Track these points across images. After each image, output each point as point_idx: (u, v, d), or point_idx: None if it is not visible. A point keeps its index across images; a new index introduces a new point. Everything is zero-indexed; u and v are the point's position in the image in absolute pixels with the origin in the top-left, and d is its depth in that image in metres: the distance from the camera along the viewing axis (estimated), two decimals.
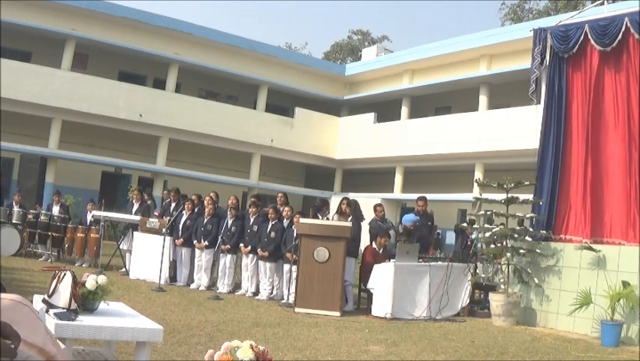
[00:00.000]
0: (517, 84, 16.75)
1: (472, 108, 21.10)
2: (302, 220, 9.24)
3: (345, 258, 8.83)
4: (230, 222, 10.18)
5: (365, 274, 9.45)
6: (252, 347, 2.47)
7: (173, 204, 11.40)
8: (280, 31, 71.02)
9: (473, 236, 12.08)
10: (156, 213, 11.95)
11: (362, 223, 9.90)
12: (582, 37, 9.47)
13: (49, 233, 12.08)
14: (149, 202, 12.36)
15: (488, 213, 9.85)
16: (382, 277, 8.84)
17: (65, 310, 3.47)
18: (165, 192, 11.89)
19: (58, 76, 20.07)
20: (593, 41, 9.33)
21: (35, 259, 11.93)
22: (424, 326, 8.25)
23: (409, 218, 10.43)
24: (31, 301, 3.43)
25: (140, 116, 21.08)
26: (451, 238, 19.13)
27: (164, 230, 10.22)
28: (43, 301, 3.61)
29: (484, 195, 11.73)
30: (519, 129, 16.80)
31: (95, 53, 21.89)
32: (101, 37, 20.94)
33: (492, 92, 20.79)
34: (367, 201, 14.53)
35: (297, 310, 8.56)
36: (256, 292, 10.02)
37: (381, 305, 8.70)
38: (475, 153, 19.64)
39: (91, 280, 3.70)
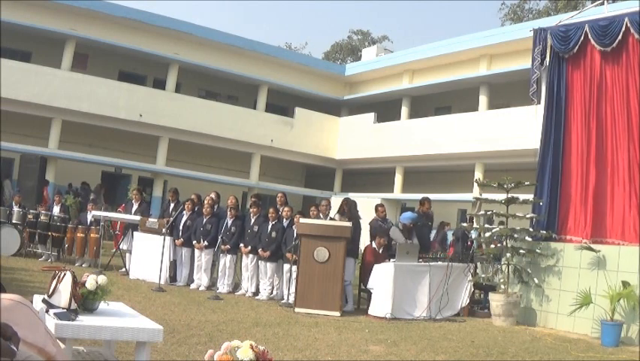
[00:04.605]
0: (517, 84, 16.75)
1: (472, 108, 21.10)
2: (302, 220, 9.25)
3: (345, 258, 8.83)
4: (229, 222, 10.18)
5: (365, 274, 9.45)
6: (252, 347, 2.47)
7: (172, 205, 11.39)
8: (280, 31, 71.10)
9: (473, 236, 12.08)
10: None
11: (361, 223, 9.89)
12: (582, 37, 9.48)
13: (49, 233, 12.08)
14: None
15: (488, 213, 9.85)
16: (382, 277, 8.84)
17: (65, 310, 3.47)
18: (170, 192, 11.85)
19: (58, 76, 20.05)
20: (593, 41, 9.33)
21: (35, 259, 11.92)
22: (424, 326, 8.25)
23: (407, 216, 10.45)
24: (31, 301, 3.43)
25: (140, 116, 21.08)
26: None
27: (164, 230, 10.22)
28: (43, 301, 3.61)
29: (484, 195, 11.74)
30: (519, 129, 16.79)
31: (95, 53, 21.89)
32: (101, 37, 20.93)
33: (492, 92, 20.79)
34: (367, 201, 14.54)
35: (297, 310, 8.55)
36: (256, 292, 10.02)
37: (381, 305, 8.70)
38: (475, 153, 19.63)
39: (91, 280, 3.70)
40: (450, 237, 14.80)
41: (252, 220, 10.15)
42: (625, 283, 7.85)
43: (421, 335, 7.43)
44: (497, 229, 9.41)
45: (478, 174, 19.39)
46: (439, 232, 15.21)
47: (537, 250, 9.10)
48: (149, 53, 21.82)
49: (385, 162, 23.24)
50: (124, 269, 11.37)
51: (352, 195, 15.85)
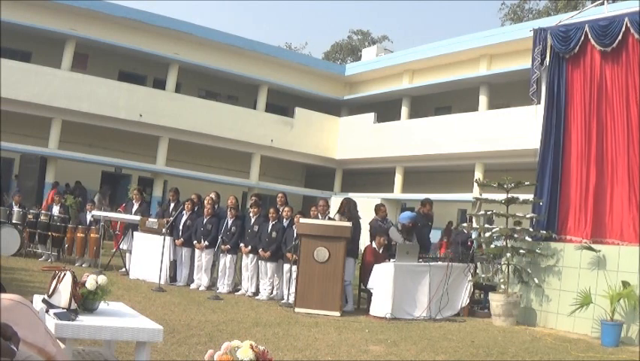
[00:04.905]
0: (517, 84, 16.75)
1: (472, 108, 21.10)
2: (302, 220, 9.25)
3: (345, 258, 8.83)
4: (230, 222, 10.18)
5: (365, 274, 9.45)
6: (252, 347, 2.47)
7: (172, 205, 11.39)
8: (280, 31, 71.11)
9: (474, 236, 12.08)
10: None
11: (361, 223, 9.89)
12: (582, 37, 9.48)
13: (49, 233, 12.08)
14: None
15: (488, 213, 9.85)
16: (382, 277, 8.84)
17: (65, 310, 3.47)
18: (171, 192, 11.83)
19: (58, 76, 20.06)
20: (593, 41, 9.33)
21: (35, 259, 11.92)
22: (424, 326, 8.25)
23: (406, 216, 10.46)
24: (31, 301, 3.43)
25: (140, 116, 21.08)
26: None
27: (164, 230, 10.22)
28: (43, 301, 3.61)
29: (484, 195, 11.73)
30: (519, 129, 16.80)
31: (95, 53, 21.89)
32: (101, 37, 20.94)
33: (492, 92, 20.79)
34: (367, 201, 14.54)
35: (297, 310, 8.55)
36: (256, 292, 10.02)
37: (381, 305, 8.70)
38: (475, 153, 19.64)
39: (91, 280, 3.70)
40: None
41: (252, 220, 10.15)
42: (625, 283, 7.85)
43: (421, 335, 7.43)
44: (498, 228, 9.40)
45: (478, 174, 19.39)
46: (448, 233, 15.18)
47: (537, 250, 9.10)
48: (149, 53, 21.83)
49: (385, 162, 23.24)
50: (124, 269, 11.37)
51: (352, 195, 15.84)
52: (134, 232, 11.06)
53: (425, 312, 8.88)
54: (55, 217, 12.10)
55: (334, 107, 26.91)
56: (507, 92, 19.86)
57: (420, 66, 24.09)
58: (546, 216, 9.47)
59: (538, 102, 10.04)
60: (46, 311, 3.45)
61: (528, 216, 9.49)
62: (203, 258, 10.35)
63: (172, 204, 11.34)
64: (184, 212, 10.70)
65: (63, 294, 3.55)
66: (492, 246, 9.58)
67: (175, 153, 22.60)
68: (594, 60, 9.43)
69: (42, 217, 12.15)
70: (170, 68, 22.57)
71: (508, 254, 9.26)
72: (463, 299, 9.39)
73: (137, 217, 11.19)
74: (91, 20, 21.20)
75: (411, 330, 7.76)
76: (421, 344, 6.88)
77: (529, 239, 9.23)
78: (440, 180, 22.07)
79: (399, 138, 22.45)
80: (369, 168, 25.23)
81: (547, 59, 9.94)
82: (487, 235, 9.49)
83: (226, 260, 10.20)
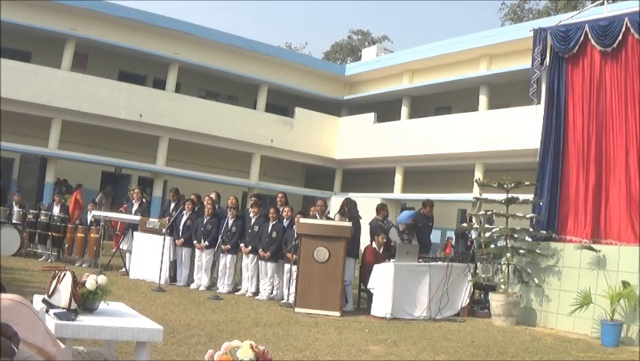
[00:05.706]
0: (517, 84, 16.75)
1: (472, 108, 21.09)
2: (302, 220, 9.25)
3: (345, 258, 8.83)
4: (230, 222, 10.18)
5: (365, 274, 9.45)
6: (252, 347, 2.47)
7: (172, 205, 11.39)
8: (280, 31, 71.12)
9: (473, 236, 12.08)
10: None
11: (361, 223, 9.89)
12: (582, 37, 9.49)
13: (49, 233, 12.08)
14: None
15: (488, 213, 9.85)
16: (382, 277, 8.84)
17: (65, 310, 3.47)
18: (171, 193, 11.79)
19: (58, 76, 20.04)
20: (593, 42, 9.34)
21: (35, 259, 11.92)
22: (424, 326, 8.25)
23: (405, 215, 10.46)
24: (31, 301, 3.43)
25: (140, 116, 21.07)
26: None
27: (164, 230, 10.23)
28: (43, 301, 3.61)
29: (484, 195, 11.73)
30: (519, 129, 16.79)
31: (95, 53, 21.88)
32: (101, 37, 20.93)
33: (492, 92, 20.78)
34: (367, 201, 14.54)
35: (297, 310, 8.56)
36: (256, 292, 10.02)
37: (382, 305, 8.70)
38: (475, 153, 19.63)
39: (91, 280, 3.70)
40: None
41: (253, 220, 10.15)
42: (625, 283, 7.85)
43: (421, 335, 7.43)
44: (498, 228, 9.40)
45: (478, 174, 19.38)
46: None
47: (537, 250, 9.10)
48: (149, 53, 21.81)
49: (385, 162, 23.23)
50: (124, 269, 11.37)
51: (352, 195, 15.84)
52: (134, 232, 11.07)
53: (425, 312, 8.88)
54: (55, 217, 12.10)
55: (334, 107, 26.90)
56: (507, 92, 19.84)
57: (420, 66, 24.07)
58: (546, 216, 9.47)
59: (538, 102, 10.04)
60: (46, 311, 3.45)
61: (528, 216, 9.50)
62: (203, 258, 10.35)
63: (172, 204, 11.34)
64: (184, 212, 10.70)
65: (63, 294, 3.55)
66: (492, 246, 9.59)
67: (175, 153, 22.59)
68: (594, 60, 9.43)
69: (42, 217, 12.16)
70: (170, 68, 22.55)
71: (508, 254, 9.26)
72: (463, 299, 9.39)
73: (137, 217, 11.20)
74: (91, 20, 21.19)
75: (411, 330, 7.76)
76: (421, 344, 6.88)
77: (529, 239, 9.23)
78: (440, 180, 22.06)
79: (399, 138, 22.44)
80: (369, 168, 25.22)
81: (547, 59, 9.94)
82: (487, 235, 9.49)
83: (226, 260, 10.20)
